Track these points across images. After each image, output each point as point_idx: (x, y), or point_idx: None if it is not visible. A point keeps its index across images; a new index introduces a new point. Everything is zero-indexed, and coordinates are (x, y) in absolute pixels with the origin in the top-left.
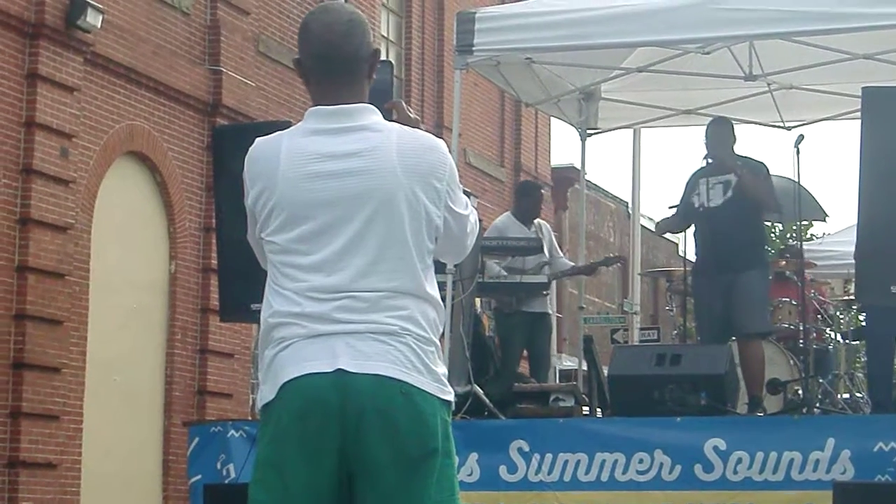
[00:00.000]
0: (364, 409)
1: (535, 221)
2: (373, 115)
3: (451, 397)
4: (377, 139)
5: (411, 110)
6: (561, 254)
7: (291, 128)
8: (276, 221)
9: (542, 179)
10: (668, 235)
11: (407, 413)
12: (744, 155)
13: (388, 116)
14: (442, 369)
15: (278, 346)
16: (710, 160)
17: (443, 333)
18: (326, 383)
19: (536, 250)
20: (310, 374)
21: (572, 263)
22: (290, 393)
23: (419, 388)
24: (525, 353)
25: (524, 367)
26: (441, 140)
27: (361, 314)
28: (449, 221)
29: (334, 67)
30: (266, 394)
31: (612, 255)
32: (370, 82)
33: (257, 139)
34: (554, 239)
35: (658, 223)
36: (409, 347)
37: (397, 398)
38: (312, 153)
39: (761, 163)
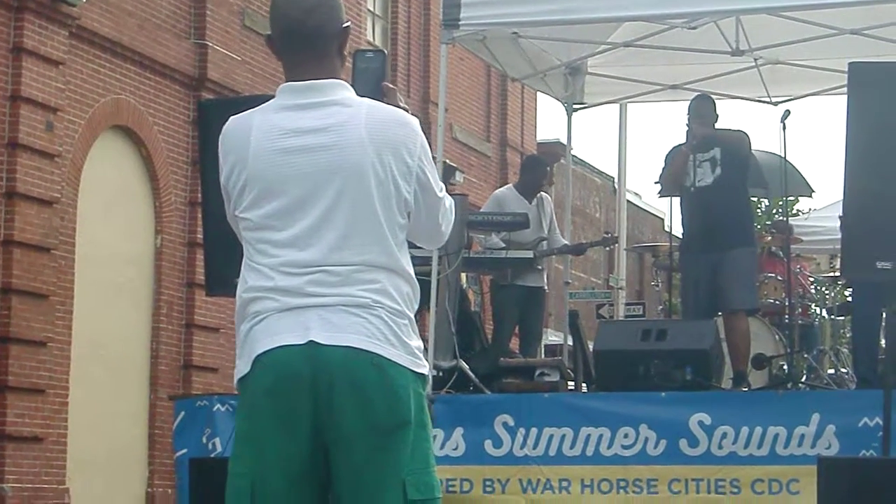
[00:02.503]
0: (336, 381)
1: (538, 195)
2: (344, 91)
3: (424, 370)
4: (347, 114)
5: (402, 99)
6: (558, 231)
7: (264, 104)
8: (248, 198)
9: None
10: (653, 210)
11: (378, 384)
12: (724, 128)
13: (381, 98)
14: (416, 342)
15: (252, 321)
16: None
17: (428, 308)
18: (298, 355)
19: (521, 225)
20: (282, 346)
21: (565, 242)
22: (263, 366)
23: (391, 360)
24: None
25: (514, 342)
26: (414, 117)
27: (334, 287)
28: (419, 196)
29: (300, 43)
30: (241, 368)
31: (606, 234)
32: (342, 58)
33: (231, 117)
34: (554, 216)
35: (661, 180)
36: (381, 320)
37: (369, 369)
38: (282, 129)
39: (742, 132)
